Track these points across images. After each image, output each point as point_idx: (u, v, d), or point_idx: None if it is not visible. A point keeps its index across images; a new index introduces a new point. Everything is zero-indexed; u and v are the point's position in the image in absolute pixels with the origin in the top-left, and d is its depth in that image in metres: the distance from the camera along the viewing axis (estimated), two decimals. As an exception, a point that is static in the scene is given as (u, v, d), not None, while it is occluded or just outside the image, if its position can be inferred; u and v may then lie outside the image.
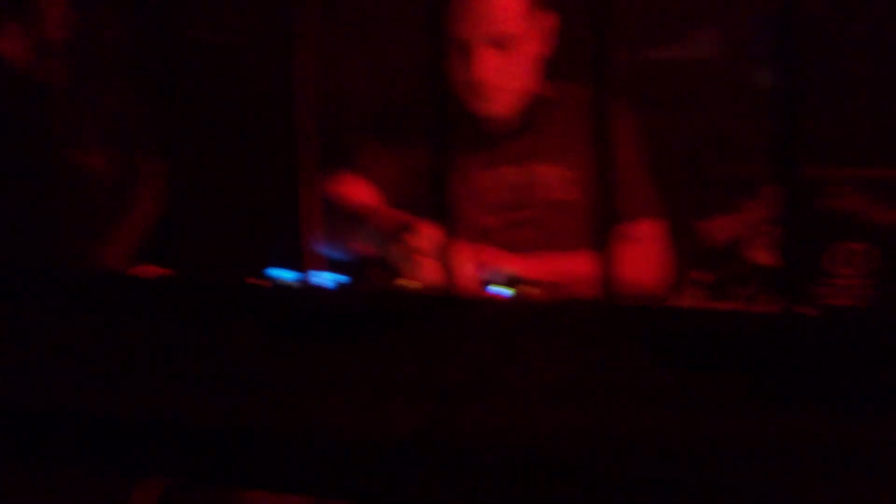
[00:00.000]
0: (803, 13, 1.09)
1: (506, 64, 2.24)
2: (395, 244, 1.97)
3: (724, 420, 0.95)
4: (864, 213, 2.10)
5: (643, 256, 2.36)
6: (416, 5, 1.36)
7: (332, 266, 1.97)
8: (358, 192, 2.31)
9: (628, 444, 0.90)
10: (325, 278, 1.55)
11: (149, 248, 2.45)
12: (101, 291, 1.25)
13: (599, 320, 1.18)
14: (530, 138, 2.37)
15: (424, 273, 1.95)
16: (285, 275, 1.76)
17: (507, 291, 1.91)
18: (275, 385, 1.00)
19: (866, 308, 1.96)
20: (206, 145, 2.85)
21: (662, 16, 2.72)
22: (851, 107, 2.41)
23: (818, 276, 1.91)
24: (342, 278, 1.86)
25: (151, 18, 2.82)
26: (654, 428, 0.92)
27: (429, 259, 1.95)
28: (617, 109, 2.29)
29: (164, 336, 1.14)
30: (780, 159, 1.14)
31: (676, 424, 0.93)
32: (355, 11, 2.88)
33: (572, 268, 2.13)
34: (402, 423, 0.90)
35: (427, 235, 1.97)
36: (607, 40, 1.15)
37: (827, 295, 1.95)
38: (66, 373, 1.05)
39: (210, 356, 1.08)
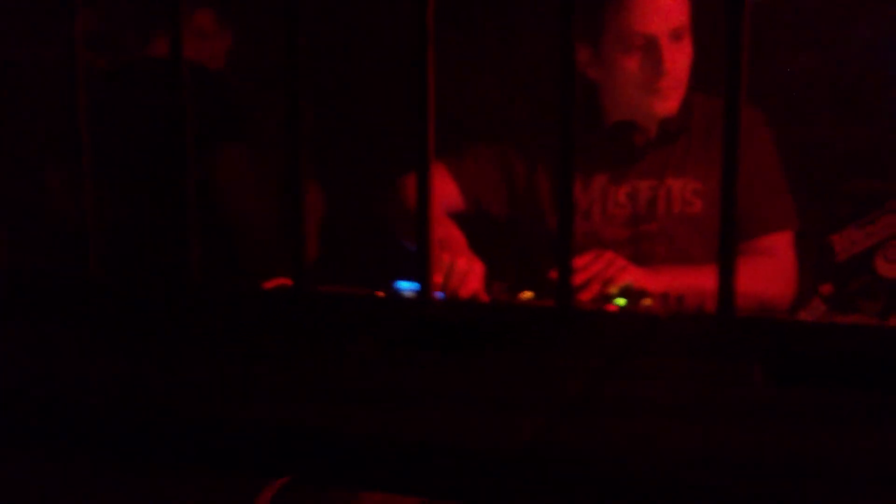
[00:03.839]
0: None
1: (682, 56, 2.21)
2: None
3: (842, 437, 0.93)
4: None
5: (774, 269, 2.32)
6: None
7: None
8: (440, 185, 2.30)
9: (741, 461, 0.89)
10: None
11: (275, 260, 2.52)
12: (233, 305, 1.30)
13: (715, 334, 1.18)
14: (667, 150, 2.35)
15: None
16: (406, 285, 1.79)
17: (624, 303, 1.91)
18: (392, 394, 1.02)
19: None
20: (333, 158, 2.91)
21: (799, 26, 2.67)
22: None
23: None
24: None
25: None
26: (769, 445, 0.91)
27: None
28: (751, 121, 2.25)
29: (287, 346, 1.18)
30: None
31: (792, 442, 0.92)
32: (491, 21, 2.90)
33: (700, 281, 2.11)
34: (513, 435, 0.91)
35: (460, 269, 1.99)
36: (740, 50, 1.14)
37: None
38: (193, 381, 1.10)
39: (331, 366, 1.12)
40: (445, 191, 2.35)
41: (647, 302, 1.89)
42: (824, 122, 2.65)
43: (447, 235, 2.15)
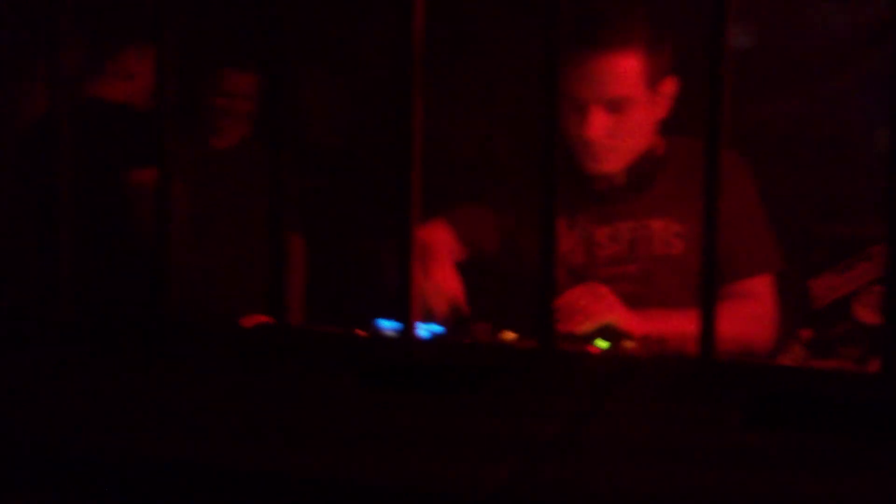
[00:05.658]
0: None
1: (618, 125, 2.24)
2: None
3: (816, 482, 0.93)
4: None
5: (755, 313, 2.32)
6: (531, 66, 1.38)
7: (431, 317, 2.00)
8: (438, 236, 2.32)
9: None
10: (424, 329, 1.58)
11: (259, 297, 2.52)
12: (211, 340, 1.29)
13: (694, 377, 1.18)
14: (643, 194, 2.35)
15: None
16: (389, 324, 1.79)
17: (605, 344, 1.90)
18: (370, 436, 1.02)
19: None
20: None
21: (779, 73, 2.70)
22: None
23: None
24: (438, 329, 1.88)
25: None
26: (748, 488, 0.91)
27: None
28: (731, 163, 2.25)
29: (268, 385, 1.17)
30: (890, 219, 1.12)
31: (767, 486, 0.92)
32: (471, 71, 2.93)
33: (680, 324, 2.10)
34: (488, 477, 0.91)
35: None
36: (720, 95, 1.16)
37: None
38: (168, 422, 1.09)
39: (309, 406, 1.11)
40: (448, 240, 2.37)
41: (628, 344, 1.89)
42: (803, 168, 2.68)
43: (443, 280, 2.15)
